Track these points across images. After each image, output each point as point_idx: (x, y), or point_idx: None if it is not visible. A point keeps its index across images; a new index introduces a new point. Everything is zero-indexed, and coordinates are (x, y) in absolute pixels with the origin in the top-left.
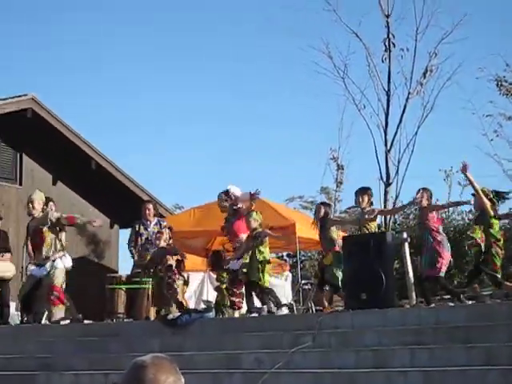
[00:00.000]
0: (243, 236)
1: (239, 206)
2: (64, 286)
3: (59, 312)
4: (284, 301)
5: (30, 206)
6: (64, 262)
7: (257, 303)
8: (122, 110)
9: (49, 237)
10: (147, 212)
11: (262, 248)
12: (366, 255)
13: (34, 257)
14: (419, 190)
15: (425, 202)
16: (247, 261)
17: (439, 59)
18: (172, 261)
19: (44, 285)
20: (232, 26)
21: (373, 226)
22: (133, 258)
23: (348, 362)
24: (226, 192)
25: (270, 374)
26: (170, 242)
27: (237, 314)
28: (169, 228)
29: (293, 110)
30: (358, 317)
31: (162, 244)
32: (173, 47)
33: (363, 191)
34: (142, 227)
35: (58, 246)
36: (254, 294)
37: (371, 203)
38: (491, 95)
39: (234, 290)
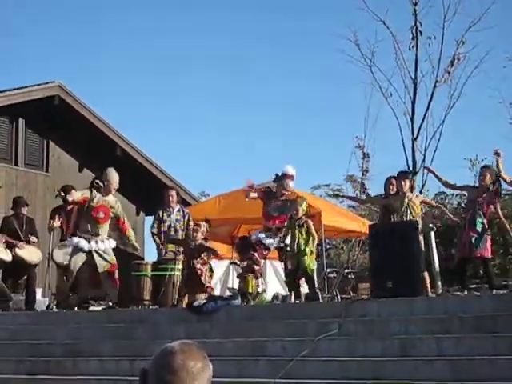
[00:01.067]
0: None
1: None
2: None
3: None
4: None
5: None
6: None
7: (281, 291)
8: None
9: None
10: (170, 199)
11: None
12: (392, 243)
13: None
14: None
15: (488, 181)
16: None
17: (467, 47)
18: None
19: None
20: (260, 11)
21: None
22: (156, 244)
23: (374, 351)
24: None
25: (295, 362)
26: (207, 235)
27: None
28: (206, 221)
29: (319, 97)
30: (384, 305)
31: (200, 237)
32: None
33: (404, 175)
34: (165, 214)
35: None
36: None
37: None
38: None
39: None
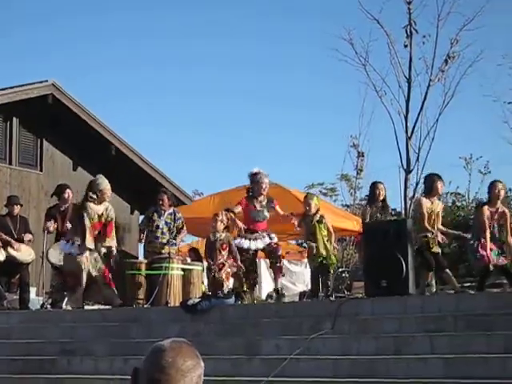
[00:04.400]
0: None
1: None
2: None
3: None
4: (304, 288)
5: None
6: None
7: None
8: (143, 95)
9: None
10: (160, 203)
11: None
12: (386, 242)
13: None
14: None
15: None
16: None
17: (461, 46)
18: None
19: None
20: (254, 10)
21: None
22: (140, 242)
23: (368, 349)
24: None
25: (289, 361)
26: (230, 224)
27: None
28: (226, 210)
29: (314, 96)
30: (378, 304)
31: (221, 227)
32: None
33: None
34: (155, 214)
35: None
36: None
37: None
38: None
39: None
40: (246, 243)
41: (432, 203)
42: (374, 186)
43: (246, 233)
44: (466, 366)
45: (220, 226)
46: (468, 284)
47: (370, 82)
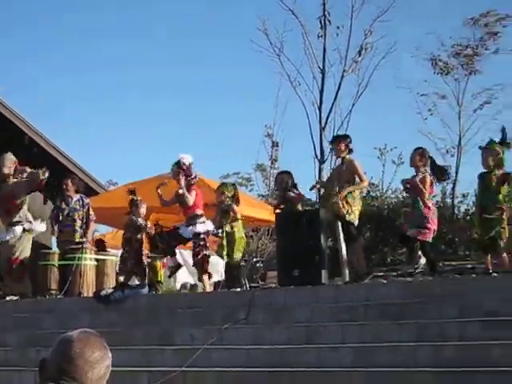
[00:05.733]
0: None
1: (193, 176)
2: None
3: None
4: (218, 278)
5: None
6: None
7: (190, 280)
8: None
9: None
10: (64, 187)
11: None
12: (298, 232)
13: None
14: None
15: (420, 165)
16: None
17: (374, 37)
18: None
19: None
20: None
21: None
22: (52, 233)
23: (280, 338)
24: (178, 163)
25: (202, 351)
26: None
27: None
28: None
29: (229, 86)
30: (291, 293)
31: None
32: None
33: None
34: (63, 202)
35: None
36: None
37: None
38: (426, 74)
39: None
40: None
41: None
42: (276, 176)
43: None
44: (377, 355)
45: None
46: (381, 273)
47: (285, 72)
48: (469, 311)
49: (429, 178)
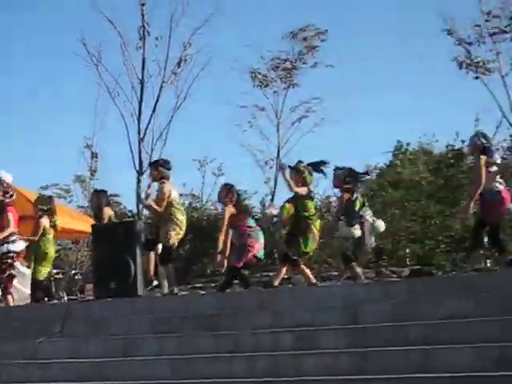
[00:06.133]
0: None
1: (10, 194)
2: None
3: None
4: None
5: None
6: None
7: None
8: None
9: None
10: None
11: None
12: (114, 244)
13: None
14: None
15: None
16: None
17: (194, 49)
18: None
19: None
20: None
21: None
22: None
23: (97, 351)
24: None
25: (14, 365)
26: None
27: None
28: None
29: (48, 97)
30: (108, 306)
31: None
32: None
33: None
34: None
35: None
36: None
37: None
38: (245, 86)
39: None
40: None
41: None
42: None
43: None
44: (193, 366)
45: None
46: (200, 285)
47: (103, 82)
48: (281, 322)
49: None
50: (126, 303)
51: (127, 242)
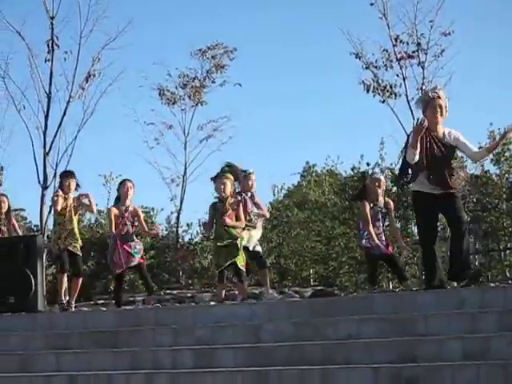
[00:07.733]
0: None
1: None
2: None
3: None
4: None
5: None
6: None
7: None
8: None
9: None
10: None
11: None
12: (14, 258)
13: None
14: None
15: None
16: None
17: (102, 64)
18: None
19: None
20: None
21: None
22: None
23: None
24: None
25: None
26: None
27: None
28: None
29: None
30: (5, 320)
31: None
32: None
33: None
34: None
35: None
36: None
37: None
38: (153, 103)
39: None
40: None
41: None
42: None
43: None
44: (90, 383)
45: None
46: (102, 301)
47: (9, 95)
48: (181, 339)
49: None
50: (25, 318)
51: (28, 256)
